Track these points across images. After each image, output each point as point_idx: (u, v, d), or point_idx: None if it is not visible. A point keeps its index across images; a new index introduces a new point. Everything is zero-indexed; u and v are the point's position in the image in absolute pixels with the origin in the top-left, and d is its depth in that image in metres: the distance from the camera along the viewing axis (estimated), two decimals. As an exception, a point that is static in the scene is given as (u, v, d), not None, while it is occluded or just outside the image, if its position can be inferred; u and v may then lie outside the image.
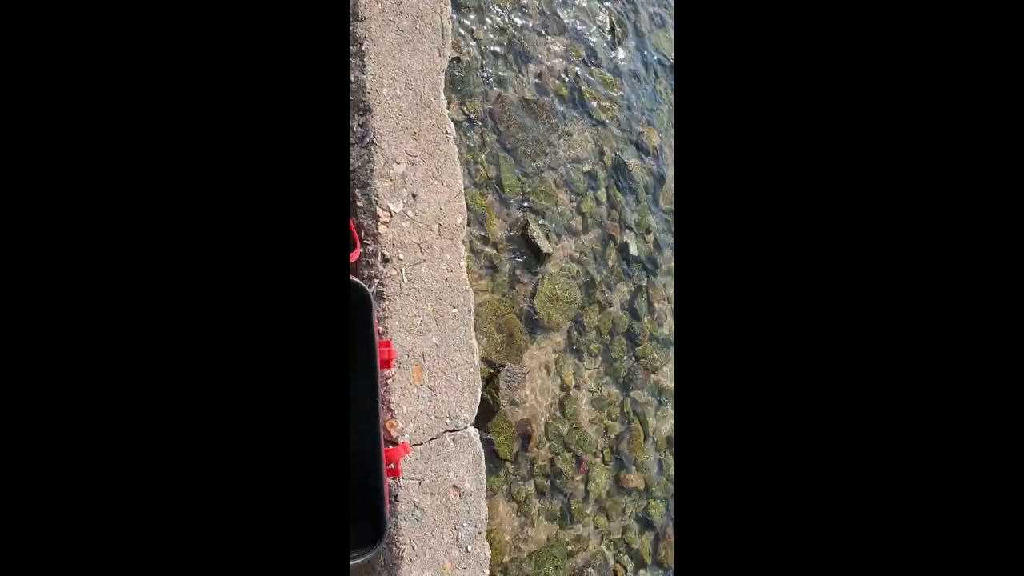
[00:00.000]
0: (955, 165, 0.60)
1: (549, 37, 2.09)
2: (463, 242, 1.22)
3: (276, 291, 0.59)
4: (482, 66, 1.90)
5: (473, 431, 1.24)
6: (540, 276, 1.95)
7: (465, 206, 1.22)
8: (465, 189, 1.79)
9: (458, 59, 1.85)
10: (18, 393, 0.52)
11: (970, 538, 0.57)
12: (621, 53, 2.34)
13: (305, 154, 0.61)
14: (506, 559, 1.75)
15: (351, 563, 1.04)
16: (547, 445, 1.92)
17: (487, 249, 1.86)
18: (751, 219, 0.64)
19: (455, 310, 1.22)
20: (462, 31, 1.86)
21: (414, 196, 1.16)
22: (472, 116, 1.87)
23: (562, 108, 2.07)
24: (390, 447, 1.12)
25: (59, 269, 0.54)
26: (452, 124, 1.17)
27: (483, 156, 1.88)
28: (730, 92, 0.65)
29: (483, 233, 1.85)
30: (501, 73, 1.95)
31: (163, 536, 0.55)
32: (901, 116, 0.61)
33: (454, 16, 1.79)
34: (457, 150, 1.20)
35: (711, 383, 0.64)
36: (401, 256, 1.14)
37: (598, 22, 2.28)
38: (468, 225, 1.83)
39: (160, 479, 0.55)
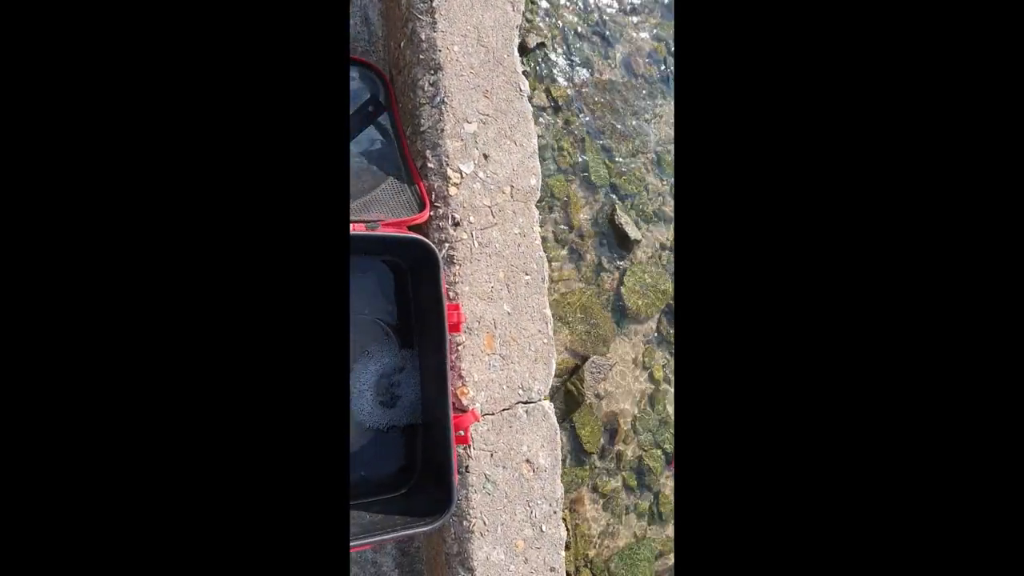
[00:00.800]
0: (954, 160, 0.59)
1: (635, 17, 2.02)
2: (536, 206, 1.18)
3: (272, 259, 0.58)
4: (567, 49, 1.87)
5: (547, 404, 1.18)
6: (628, 264, 1.87)
7: (539, 167, 1.18)
8: (550, 175, 1.75)
9: (542, 44, 1.83)
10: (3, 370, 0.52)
11: (969, 537, 0.56)
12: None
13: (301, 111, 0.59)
14: (591, 553, 1.66)
15: (421, 530, 1.01)
16: (635, 440, 1.82)
17: (572, 236, 1.81)
18: (751, 214, 0.63)
19: (527, 277, 1.17)
20: (545, 13, 1.84)
21: (486, 157, 1.13)
22: (558, 100, 1.83)
23: (651, 90, 1.99)
24: (459, 414, 1.08)
25: (60, 242, 0.54)
26: (525, 81, 1.14)
27: (568, 141, 1.84)
28: (731, 91, 0.64)
29: (568, 220, 1.80)
30: (587, 55, 1.90)
31: (156, 502, 0.54)
32: (900, 109, 0.60)
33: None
34: (531, 108, 1.16)
35: (712, 382, 0.63)
36: (472, 219, 1.12)
37: None
38: (551, 212, 1.79)
39: (153, 445, 0.54)
